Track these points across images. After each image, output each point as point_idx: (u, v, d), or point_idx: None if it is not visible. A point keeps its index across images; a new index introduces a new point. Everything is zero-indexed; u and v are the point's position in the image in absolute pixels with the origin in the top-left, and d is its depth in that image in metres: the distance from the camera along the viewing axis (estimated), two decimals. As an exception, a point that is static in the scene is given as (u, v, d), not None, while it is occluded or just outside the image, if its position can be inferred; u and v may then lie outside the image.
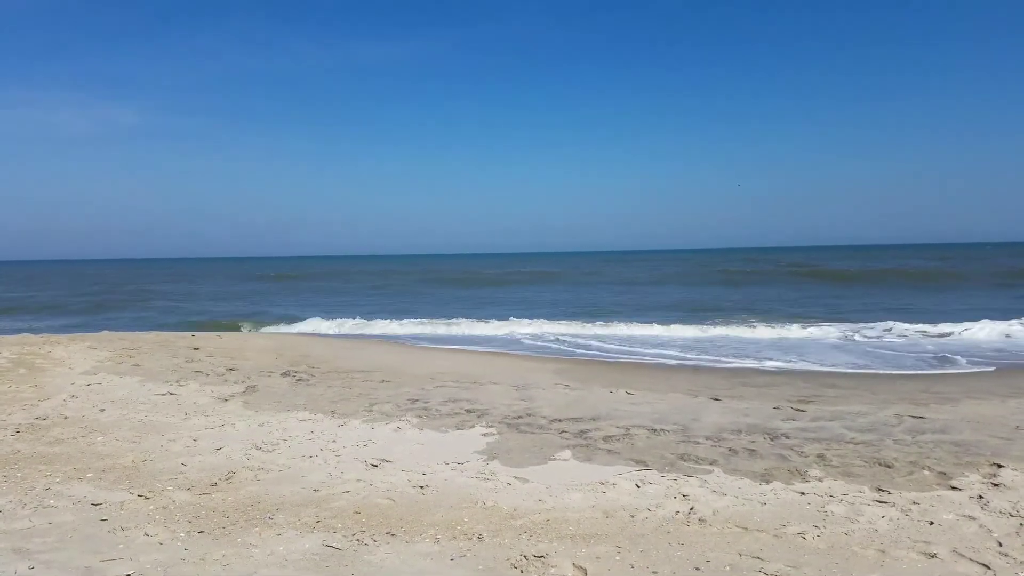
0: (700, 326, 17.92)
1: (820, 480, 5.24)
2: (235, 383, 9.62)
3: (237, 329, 21.00)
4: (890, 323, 17.19)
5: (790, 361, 12.68)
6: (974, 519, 4.36)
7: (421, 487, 5.13)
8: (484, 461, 5.85)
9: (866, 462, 5.66)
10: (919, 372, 11.30)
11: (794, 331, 16.92)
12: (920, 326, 16.58)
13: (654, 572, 3.65)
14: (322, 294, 37.84)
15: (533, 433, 6.80)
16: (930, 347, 14.19)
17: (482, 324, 20.11)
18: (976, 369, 11.43)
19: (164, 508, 4.65)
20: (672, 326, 18.15)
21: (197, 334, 17.12)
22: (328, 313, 23.60)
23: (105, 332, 18.15)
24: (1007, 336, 15.29)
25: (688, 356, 13.49)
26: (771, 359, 12.86)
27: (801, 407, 7.89)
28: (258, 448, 6.21)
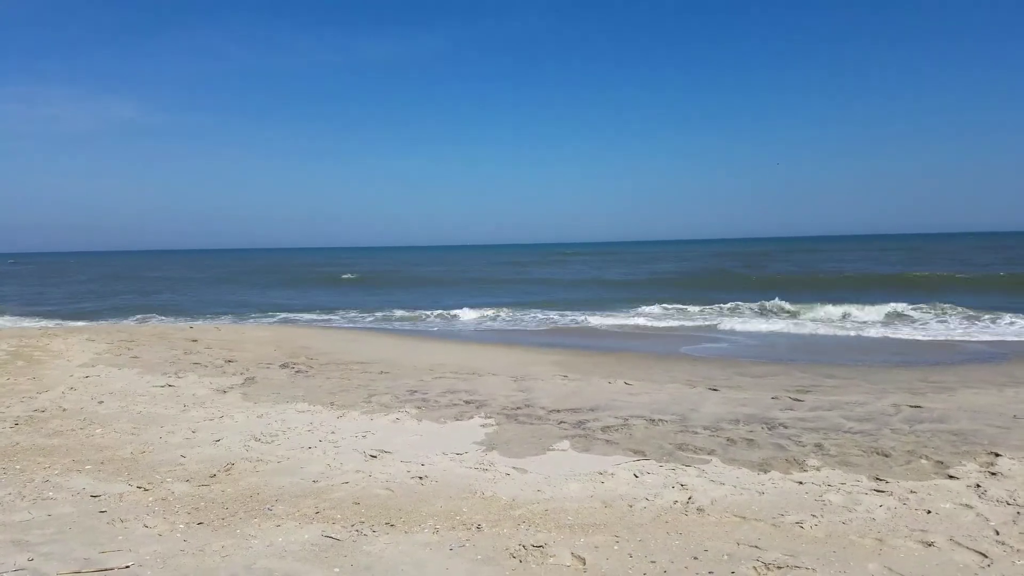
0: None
1: (818, 469, 5.25)
2: (234, 375, 9.62)
3: None
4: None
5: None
6: (971, 508, 4.37)
7: (420, 478, 5.14)
8: (483, 452, 5.86)
9: (864, 451, 5.68)
10: (917, 362, 11.32)
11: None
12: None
13: (652, 561, 3.66)
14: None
15: (532, 424, 6.81)
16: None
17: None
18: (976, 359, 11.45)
19: (163, 499, 4.66)
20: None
21: (195, 326, 17.11)
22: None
23: (103, 324, 18.15)
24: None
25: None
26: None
27: (799, 397, 7.90)
28: (257, 439, 6.21)
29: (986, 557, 3.67)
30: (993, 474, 5.02)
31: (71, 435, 6.35)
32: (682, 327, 17.24)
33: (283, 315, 22.01)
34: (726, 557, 3.69)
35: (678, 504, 4.53)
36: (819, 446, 5.86)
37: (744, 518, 4.28)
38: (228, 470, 5.32)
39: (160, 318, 21.49)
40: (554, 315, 20.34)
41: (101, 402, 7.79)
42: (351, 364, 10.66)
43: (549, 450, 5.91)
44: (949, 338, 14.23)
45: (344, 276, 44.72)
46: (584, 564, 3.64)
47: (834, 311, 18.43)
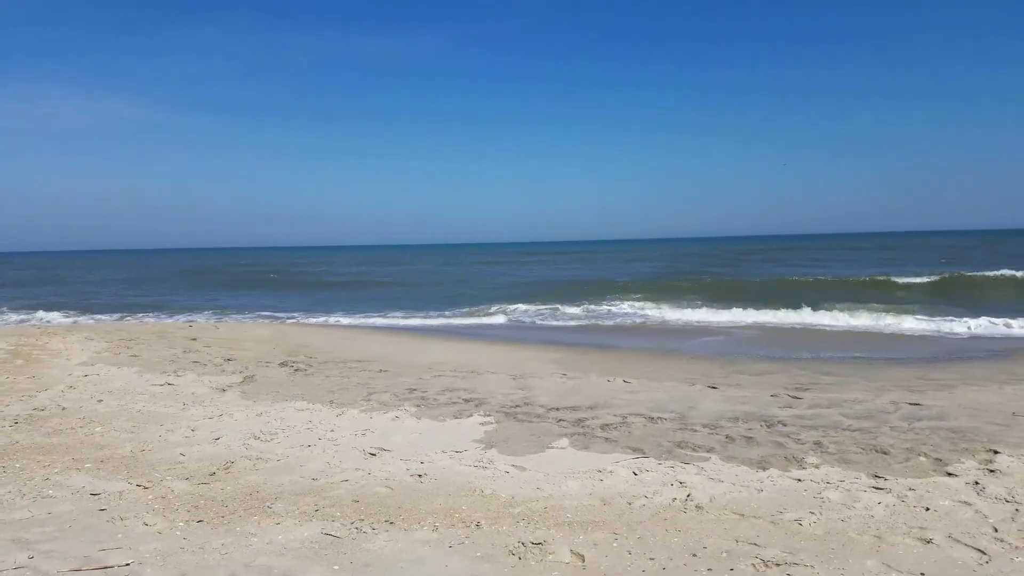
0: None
1: (816, 467, 5.26)
2: (233, 373, 9.62)
3: None
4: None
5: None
6: (970, 505, 4.38)
7: (419, 476, 5.15)
8: (482, 450, 5.87)
9: (862, 449, 5.68)
10: (916, 359, 11.33)
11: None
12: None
13: (651, 558, 3.66)
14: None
15: (531, 422, 6.81)
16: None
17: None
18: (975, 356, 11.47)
19: (163, 498, 4.66)
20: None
21: (194, 324, 17.11)
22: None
23: (102, 323, 18.15)
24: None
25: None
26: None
27: (798, 395, 7.91)
28: (256, 438, 6.22)
29: (984, 554, 3.67)
30: (992, 471, 5.03)
31: (71, 433, 6.35)
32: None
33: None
34: (725, 554, 3.70)
35: (677, 501, 4.54)
36: (818, 444, 5.87)
37: (743, 515, 4.29)
38: (228, 468, 5.32)
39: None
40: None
41: (100, 400, 7.79)
42: (350, 362, 10.66)
43: (548, 448, 5.92)
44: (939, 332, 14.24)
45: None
46: (583, 561, 3.64)
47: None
